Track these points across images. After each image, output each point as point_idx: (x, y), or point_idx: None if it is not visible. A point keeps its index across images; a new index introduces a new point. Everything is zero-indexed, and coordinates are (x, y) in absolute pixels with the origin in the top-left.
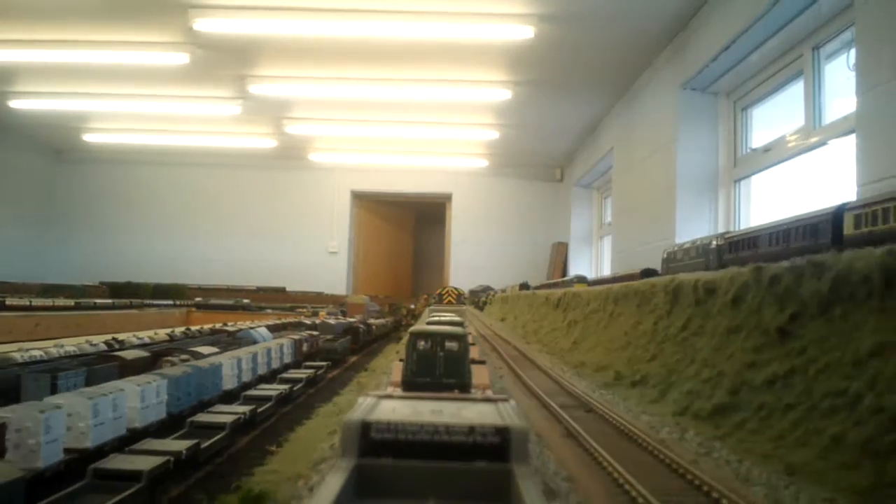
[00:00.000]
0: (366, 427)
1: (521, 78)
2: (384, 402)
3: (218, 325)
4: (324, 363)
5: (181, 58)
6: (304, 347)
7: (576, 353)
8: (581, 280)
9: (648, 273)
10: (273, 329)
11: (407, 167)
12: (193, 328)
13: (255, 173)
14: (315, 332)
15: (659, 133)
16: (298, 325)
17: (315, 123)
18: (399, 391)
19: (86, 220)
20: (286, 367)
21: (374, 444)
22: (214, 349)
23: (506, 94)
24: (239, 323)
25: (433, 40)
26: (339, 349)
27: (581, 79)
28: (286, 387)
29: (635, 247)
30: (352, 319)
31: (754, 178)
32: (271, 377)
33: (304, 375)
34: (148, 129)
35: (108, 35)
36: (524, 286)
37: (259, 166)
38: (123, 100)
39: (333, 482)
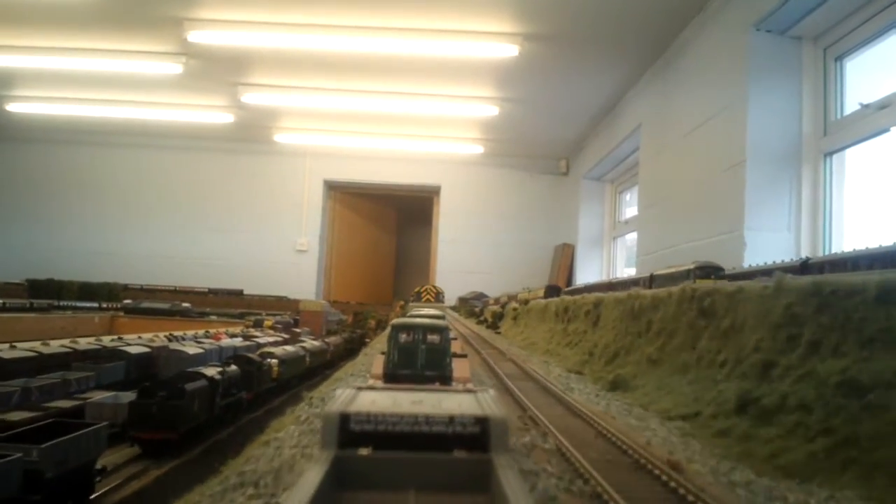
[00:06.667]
0: (344, 418)
1: (531, 29)
2: (363, 393)
3: None
4: None
5: None
6: None
7: None
8: (712, 272)
9: None
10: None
11: (390, 153)
12: None
13: (211, 156)
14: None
15: (717, 94)
16: (112, 356)
17: (278, 92)
18: (380, 383)
19: (13, 209)
20: None
21: (353, 435)
22: None
23: (512, 51)
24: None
25: None
26: None
27: (605, 36)
28: None
29: (674, 245)
30: (273, 338)
31: (850, 150)
32: None
33: None
34: (77, 96)
35: None
36: (553, 290)
37: (214, 147)
38: (43, 54)
39: (312, 475)
